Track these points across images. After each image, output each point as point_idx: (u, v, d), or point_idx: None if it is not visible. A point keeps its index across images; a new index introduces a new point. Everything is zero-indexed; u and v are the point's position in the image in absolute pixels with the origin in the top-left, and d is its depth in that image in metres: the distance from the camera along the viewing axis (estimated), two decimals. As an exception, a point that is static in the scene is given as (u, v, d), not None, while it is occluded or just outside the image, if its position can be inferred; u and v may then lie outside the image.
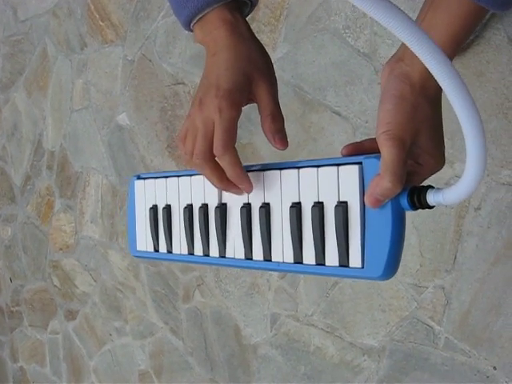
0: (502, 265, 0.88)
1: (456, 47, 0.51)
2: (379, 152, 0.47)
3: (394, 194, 0.47)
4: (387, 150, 0.46)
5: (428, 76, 0.43)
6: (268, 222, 0.55)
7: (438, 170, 0.52)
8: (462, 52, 0.88)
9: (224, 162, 0.54)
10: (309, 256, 0.52)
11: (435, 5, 0.51)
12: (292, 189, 0.54)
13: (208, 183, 0.58)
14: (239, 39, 0.57)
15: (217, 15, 0.57)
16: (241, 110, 0.55)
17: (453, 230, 0.93)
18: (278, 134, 0.56)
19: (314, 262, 0.52)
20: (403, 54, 0.51)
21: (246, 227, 0.57)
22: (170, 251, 0.67)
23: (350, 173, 0.49)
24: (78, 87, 1.81)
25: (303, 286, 1.17)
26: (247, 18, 0.62)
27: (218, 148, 0.53)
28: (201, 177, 0.61)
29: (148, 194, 0.69)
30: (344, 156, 0.52)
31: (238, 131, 0.55)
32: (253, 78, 0.56)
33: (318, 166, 0.52)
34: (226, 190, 0.58)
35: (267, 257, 0.56)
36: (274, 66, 0.60)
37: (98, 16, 1.68)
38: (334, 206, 0.50)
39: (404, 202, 0.47)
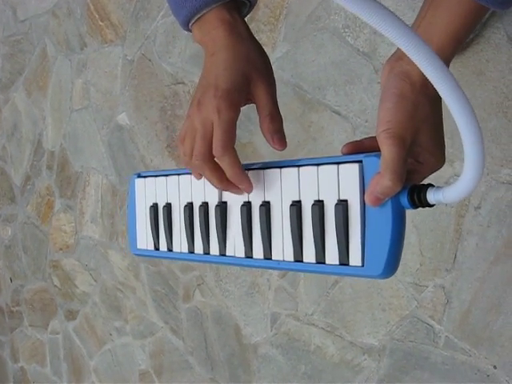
0: (502, 264, 0.88)
1: (456, 46, 0.51)
2: (379, 150, 0.47)
3: (394, 193, 0.47)
4: (387, 149, 0.46)
5: (428, 75, 0.43)
6: (268, 220, 0.55)
7: (439, 169, 0.52)
8: (462, 51, 0.88)
9: (224, 162, 0.54)
10: (309, 254, 0.52)
11: (435, 3, 0.51)
12: (292, 187, 0.54)
13: (208, 182, 0.58)
14: (238, 39, 0.57)
15: (215, 15, 0.57)
16: (239, 111, 0.55)
17: (453, 228, 0.93)
18: (277, 134, 0.56)
19: (314, 261, 0.52)
20: (403, 53, 0.51)
21: (246, 225, 0.57)
22: (170, 249, 0.67)
23: (350, 171, 0.49)
24: (77, 87, 1.81)
25: (303, 286, 1.17)
26: (246, 18, 0.62)
27: (217, 149, 0.53)
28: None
29: (148, 192, 0.69)
30: (344, 154, 0.52)
31: (238, 131, 0.55)
32: (251, 78, 0.56)
33: (318, 165, 0.52)
34: (226, 190, 0.58)
35: (267, 255, 0.56)
36: (274, 66, 0.60)
37: (97, 16, 1.68)
38: (334, 204, 0.50)
39: (404, 200, 0.47)
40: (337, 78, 1.07)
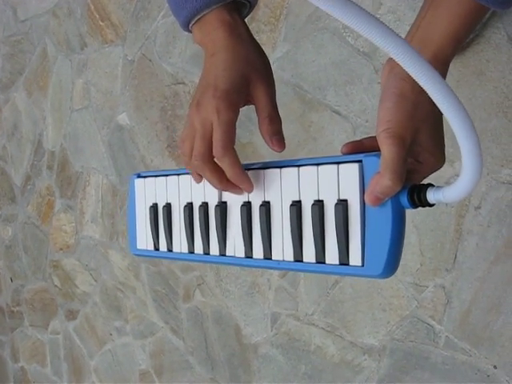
0: (503, 264, 0.88)
1: (456, 45, 0.51)
2: (379, 150, 0.47)
3: (394, 192, 0.47)
4: (387, 148, 0.46)
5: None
6: (268, 220, 0.55)
7: (438, 169, 0.52)
8: (462, 51, 0.88)
9: (224, 163, 0.54)
10: (309, 254, 0.52)
11: (436, 3, 0.51)
12: (292, 187, 0.54)
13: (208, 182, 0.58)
14: (237, 40, 0.57)
15: (215, 16, 0.57)
16: (238, 111, 0.55)
17: (453, 228, 0.93)
18: (275, 135, 0.56)
19: (314, 260, 0.52)
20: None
21: (246, 225, 0.57)
22: (170, 249, 0.67)
23: (350, 171, 0.49)
24: (78, 87, 1.81)
25: (304, 286, 1.17)
26: (247, 18, 0.62)
27: (217, 149, 0.53)
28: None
29: (148, 192, 0.69)
30: (344, 154, 0.52)
31: (238, 131, 0.55)
32: (250, 79, 0.56)
33: (318, 164, 0.52)
34: (226, 191, 0.58)
35: (267, 255, 0.56)
36: (274, 66, 0.60)
37: (97, 16, 1.68)
38: (334, 204, 0.50)
39: (404, 200, 0.47)
40: (337, 78, 1.07)
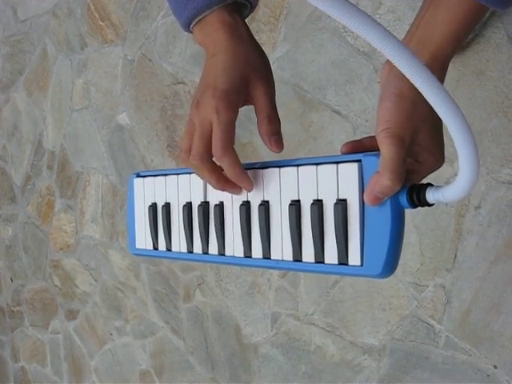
0: (503, 263, 0.88)
1: (456, 45, 0.51)
2: (379, 150, 0.47)
3: (393, 192, 0.47)
4: (386, 148, 0.46)
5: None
6: (267, 219, 0.55)
7: (438, 168, 0.52)
8: (462, 51, 0.87)
9: (224, 163, 0.54)
10: (308, 254, 0.52)
11: (435, 3, 0.51)
12: (291, 187, 0.54)
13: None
14: (238, 41, 0.57)
15: (216, 17, 0.57)
16: (238, 111, 0.55)
17: (453, 228, 0.93)
18: (274, 136, 0.56)
19: (313, 260, 0.52)
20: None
21: (245, 225, 0.57)
22: (169, 249, 0.67)
23: (350, 170, 0.49)
24: (78, 87, 1.81)
25: (304, 285, 1.17)
26: (247, 18, 0.62)
27: (217, 149, 0.53)
28: None
29: (147, 191, 0.69)
30: (343, 154, 0.52)
31: (238, 131, 0.55)
32: (250, 79, 0.56)
33: (317, 164, 0.52)
34: (224, 190, 0.58)
35: (266, 255, 0.56)
36: (274, 66, 0.60)
37: (97, 16, 1.68)
38: (333, 203, 0.50)
39: (403, 199, 0.47)
40: (337, 77, 1.07)
